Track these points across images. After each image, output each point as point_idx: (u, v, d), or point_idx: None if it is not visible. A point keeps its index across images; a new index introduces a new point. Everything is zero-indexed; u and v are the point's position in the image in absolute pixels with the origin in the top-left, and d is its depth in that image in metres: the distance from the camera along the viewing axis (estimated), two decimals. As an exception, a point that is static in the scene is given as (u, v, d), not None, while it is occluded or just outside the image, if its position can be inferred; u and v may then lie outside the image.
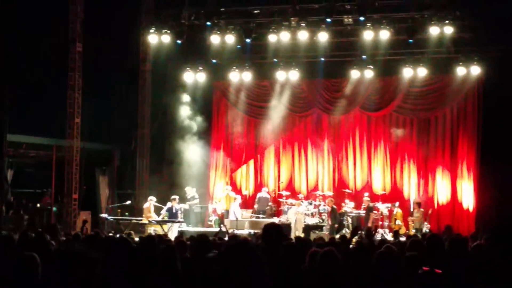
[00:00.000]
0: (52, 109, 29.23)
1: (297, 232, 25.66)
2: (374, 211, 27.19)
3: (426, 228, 26.27)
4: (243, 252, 4.56)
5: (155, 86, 31.60)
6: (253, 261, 4.50)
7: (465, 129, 28.99)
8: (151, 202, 26.92)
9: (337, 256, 6.96)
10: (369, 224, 25.96)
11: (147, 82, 31.64)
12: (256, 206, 28.99)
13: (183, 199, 27.90)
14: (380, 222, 26.86)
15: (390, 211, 27.42)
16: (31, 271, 5.97)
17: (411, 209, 27.53)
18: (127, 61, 30.79)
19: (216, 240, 13.66)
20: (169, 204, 27.01)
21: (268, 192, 29.68)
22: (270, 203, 29.04)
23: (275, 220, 26.24)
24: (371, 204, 27.23)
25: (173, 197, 27.37)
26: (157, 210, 27.06)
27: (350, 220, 27.21)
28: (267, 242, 7.16)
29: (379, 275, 7.23)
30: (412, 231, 25.93)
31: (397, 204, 27.62)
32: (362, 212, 27.42)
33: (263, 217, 27.51)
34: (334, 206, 27.09)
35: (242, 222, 26.52)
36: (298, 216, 26.87)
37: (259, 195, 29.43)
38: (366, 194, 28.36)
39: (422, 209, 27.18)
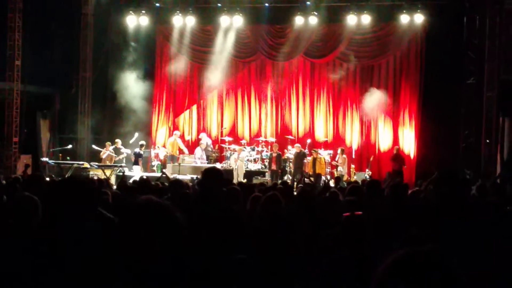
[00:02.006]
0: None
1: (239, 178, 25.75)
2: (309, 158, 27.28)
3: (367, 175, 26.57)
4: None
5: (97, 29, 31.12)
6: None
7: (408, 77, 29.17)
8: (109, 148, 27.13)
9: (280, 200, 7.02)
10: (306, 170, 26.20)
11: (89, 25, 31.12)
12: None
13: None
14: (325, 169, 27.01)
15: (332, 158, 27.60)
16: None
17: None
18: (69, 3, 30.25)
19: (159, 185, 13.63)
20: (137, 150, 27.19)
21: (208, 136, 29.85)
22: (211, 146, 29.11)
23: (218, 166, 26.29)
24: (303, 151, 27.25)
25: (140, 143, 27.72)
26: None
27: (292, 166, 27.34)
28: (204, 187, 7.16)
29: (321, 219, 7.31)
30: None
31: (320, 150, 27.62)
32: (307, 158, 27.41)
33: (207, 163, 27.45)
34: (279, 152, 27.16)
35: (184, 168, 26.44)
36: (239, 163, 26.91)
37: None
38: (309, 141, 28.47)
39: (344, 156, 27.40)
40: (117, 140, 27.80)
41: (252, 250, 6.25)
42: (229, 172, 25.10)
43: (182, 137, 30.15)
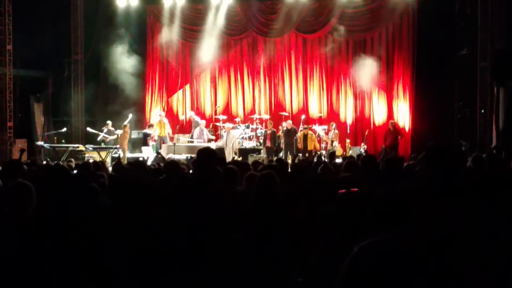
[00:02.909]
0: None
1: (231, 156, 25.62)
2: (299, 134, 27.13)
3: (362, 149, 26.53)
4: None
5: (87, 11, 31.05)
6: None
7: (401, 49, 29.10)
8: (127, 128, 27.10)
9: (275, 178, 7.00)
10: (299, 146, 26.12)
11: (79, 7, 31.06)
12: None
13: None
14: (318, 145, 26.86)
15: (327, 133, 27.51)
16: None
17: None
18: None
19: (155, 165, 13.63)
20: (146, 130, 27.42)
21: (199, 114, 29.93)
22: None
23: (212, 144, 26.28)
24: (294, 127, 27.07)
25: (149, 123, 28.05)
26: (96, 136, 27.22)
27: (283, 143, 27.20)
28: (198, 168, 7.15)
29: (316, 196, 7.29)
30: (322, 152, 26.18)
31: (314, 126, 27.61)
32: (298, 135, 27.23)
33: (199, 142, 27.35)
34: (274, 129, 27.08)
35: (180, 147, 26.36)
36: (232, 140, 26.73)
37: (193, 120, 29.35)
38: (303, 117, 28.36)
39: (337, 131, 27.31)
40: (108, 121, 27.72)
41: (248, 230, 6.24)
42: (222, 151, 25.09)
43: (176, 116, 30.27)
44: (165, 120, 28.66)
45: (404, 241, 2.48)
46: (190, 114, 29.77)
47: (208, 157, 6.93)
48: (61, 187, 7.44)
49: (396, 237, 2.49)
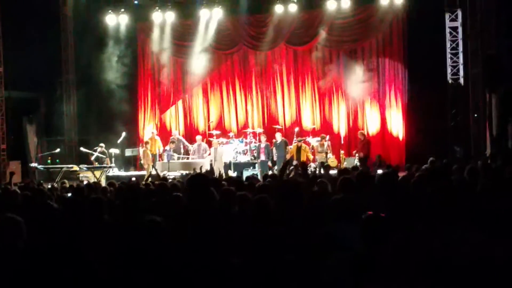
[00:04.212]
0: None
1: (221, 171, 25.29)
2: (290, 146, 26.98)
3: (356, 159, 26.39)
4: None
5: (77, 30, 31.04)
6: None
7: (391, 58, 29.05)
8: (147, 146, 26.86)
9: (269, 203, 6.96)
10: (288, 157, 25.96)
11: (68, 27, 31.12)
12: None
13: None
14: (312, 156, 26.76)
15: (321, 145, 27.37)
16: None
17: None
18: (46, 6, 30.05)
19: (150, 185, 13.55)
20: (167, 147, 27.18)
21: (190, 131, 30.01)
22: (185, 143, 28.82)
23: (205, 159, 26.13)
24: (284, 139, 27.08)
25: (171, 139, 27.84)
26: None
27: (276, 156, 27.07)
28: (192, 197, 7.14)
29: (311, 216, 7.22)
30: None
31: (308, 138, 27.62)
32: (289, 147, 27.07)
33: (192, 158, 27.22)
34: (267, 143, 26.92)
35: (174, 164, 26.24)
36: (218, 155, 26.42)
37: (171, 138, 29.11)
38: (296, 129, 28.30)
39: (329, 142, 27.00)
40: (101, 144, 27.61)
41: (245, 254, 6.18)
42: (211, 169, 24.94)
43: (169, 133, 30.17)
44: (157, 138, 28.51)
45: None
46: (174, 133, 29.61)
47: (200, 185, 6.90)
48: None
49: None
